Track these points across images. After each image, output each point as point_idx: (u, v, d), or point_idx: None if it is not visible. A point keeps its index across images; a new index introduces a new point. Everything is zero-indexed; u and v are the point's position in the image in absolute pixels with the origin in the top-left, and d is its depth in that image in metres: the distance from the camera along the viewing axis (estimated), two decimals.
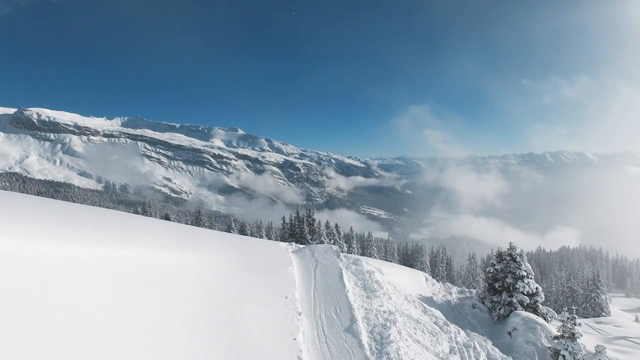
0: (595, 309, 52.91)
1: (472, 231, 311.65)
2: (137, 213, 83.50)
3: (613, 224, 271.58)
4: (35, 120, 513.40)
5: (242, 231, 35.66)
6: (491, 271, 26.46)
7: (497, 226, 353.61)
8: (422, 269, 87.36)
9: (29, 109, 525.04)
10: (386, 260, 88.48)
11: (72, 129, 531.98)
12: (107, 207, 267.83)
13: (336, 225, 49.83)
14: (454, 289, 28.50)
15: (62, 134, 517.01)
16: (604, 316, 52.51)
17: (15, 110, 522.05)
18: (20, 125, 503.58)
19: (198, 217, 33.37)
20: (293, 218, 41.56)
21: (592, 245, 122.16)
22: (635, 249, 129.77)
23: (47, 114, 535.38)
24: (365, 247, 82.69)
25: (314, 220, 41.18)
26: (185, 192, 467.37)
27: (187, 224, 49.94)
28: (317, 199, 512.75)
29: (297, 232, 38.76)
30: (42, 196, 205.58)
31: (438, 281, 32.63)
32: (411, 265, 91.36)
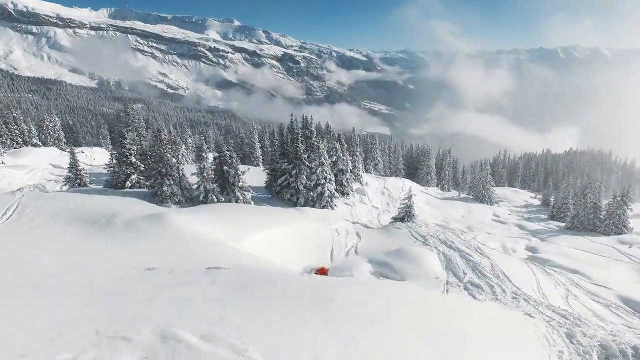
0: (618, 227, 47.74)
1: (474, 128, 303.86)
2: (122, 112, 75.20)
3: (619, 125, 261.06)
4: (11, 11, 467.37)
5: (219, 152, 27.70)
6: None
7: (499, 124, 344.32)
8: (428, 174, 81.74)
9: None
10: (390, 164, 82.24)
11: (55, 21, 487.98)
12: (103, 105, 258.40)
13: (339, 136, 41.87)
14: None
15: (45, 27, 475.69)
16: (626, 233, 47.74)
17: None
18: None
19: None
20: (285, 132, 33.23)
21: (600, 148, 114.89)
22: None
23: (24, 2, 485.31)
24: (369, 150, 76.24)
25: (312, 133, 32.99)
26: (183, 88, 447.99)
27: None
28: (318, 94, 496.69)
29: (290, 152, 30.82)
30: (34, 94, 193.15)
31: None
32: (416, 169, 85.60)
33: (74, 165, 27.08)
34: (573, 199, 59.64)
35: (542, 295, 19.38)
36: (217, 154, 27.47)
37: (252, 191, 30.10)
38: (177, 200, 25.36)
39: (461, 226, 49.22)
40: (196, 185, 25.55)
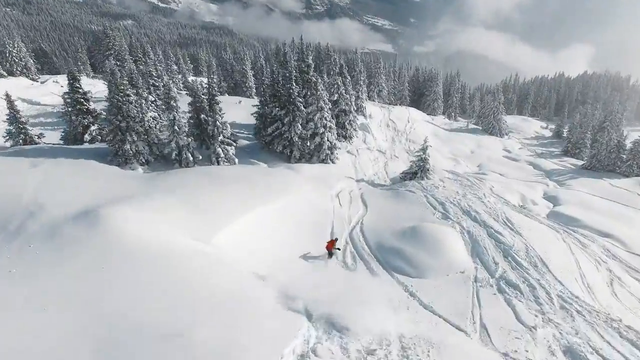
0: None
1: (481, 46, 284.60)
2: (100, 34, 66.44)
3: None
4: None
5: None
6: None
7: (508, 41, 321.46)
8: (435, 100, 75.06)
9: None
10: (394, 89, 75.06)
11: None
12: (90, 21, 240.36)
13: (341, 67, 35.28)
14: None
15: None
16: None
17: None
18: None
19: None
20: (276, 68, 26.33)
21: (617, 70, 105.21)
22: None
23: None
24: (372, 75, 69.18)
25: (309, 65, 26.44)
26: (174, 2, 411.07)
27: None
28: (317, 7, 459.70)
29: (282, 93, 24.60)
30: (12, 8, 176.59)
31: None
32: (422, 95, 78.58)
33: (13, 116, 21.23)
34: (591, 133, 54.29)
35: (587, 288, 15.58)
36: (191, 99, 21.70)
37: (235, 143, 24.85)
38: (144, 160, 20.45)
39: (471, 164, 45.03)
40: (167, 141, 20.33)
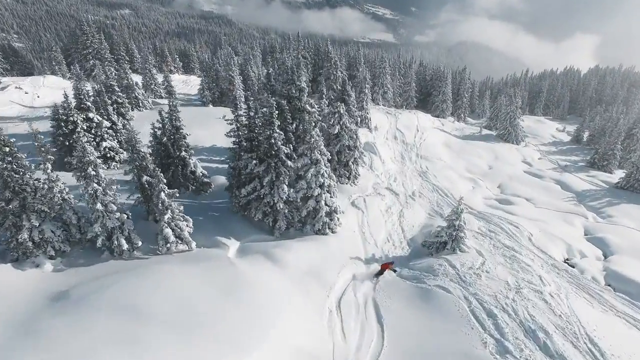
0: None
1: (483, 36, 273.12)
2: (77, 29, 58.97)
3: None
4: None
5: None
6: None
7: (511, 31, 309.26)
8: (444, 102, 67.42)
9: None
10: (400, 88, 67.42)
11: None
12: (87, 10, 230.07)
13: (343, 83, 28.15)
14: None
15: None
16: None
17: None
18: None
19: None
20: (252, 104, 17.90)
21: (632, 64, 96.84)
22: None
23: None
24: (376, 75, 62.15)
25: (301, 90, 18.89)
26: None
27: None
28: None
29: (260, 141, 16.58)
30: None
31: None
32: (429, 95, 70.92)
33: None
34: (621, 144, 47.10)
35: None
36: (131, 154, 14.52)
37: (209, 185, 17.83)
38: (54, 250, 13.18)
39: (491, 184, 38.33)
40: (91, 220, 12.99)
